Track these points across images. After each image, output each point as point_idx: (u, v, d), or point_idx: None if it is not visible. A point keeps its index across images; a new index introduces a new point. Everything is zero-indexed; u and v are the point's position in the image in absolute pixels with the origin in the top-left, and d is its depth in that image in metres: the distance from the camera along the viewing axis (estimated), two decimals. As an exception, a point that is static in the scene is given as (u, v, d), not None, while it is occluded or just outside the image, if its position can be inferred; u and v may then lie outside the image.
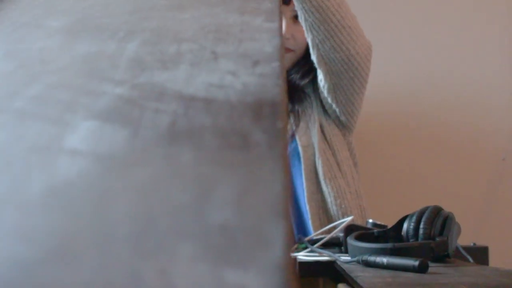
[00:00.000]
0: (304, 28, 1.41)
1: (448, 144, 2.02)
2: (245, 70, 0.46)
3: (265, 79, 0.44)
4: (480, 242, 1.36)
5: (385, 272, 0.87)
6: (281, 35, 0.55)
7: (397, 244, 0.97)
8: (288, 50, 1.52)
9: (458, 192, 1.99)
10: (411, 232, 1.02)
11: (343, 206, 1.43)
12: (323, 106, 1.53)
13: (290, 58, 1.54)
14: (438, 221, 1.01)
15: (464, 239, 1.23)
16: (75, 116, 0.37)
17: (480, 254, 1.24)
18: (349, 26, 1.38)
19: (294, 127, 1.53)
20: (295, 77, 1.54)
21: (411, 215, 1.04)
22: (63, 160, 0.32)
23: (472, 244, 1.32)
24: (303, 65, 1.53)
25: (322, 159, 1.47)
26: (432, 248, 0.97)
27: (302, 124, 1.53)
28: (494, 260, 1.34)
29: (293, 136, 1.53)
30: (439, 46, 2.01)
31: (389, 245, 0.96)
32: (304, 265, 1.07)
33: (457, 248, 1.07)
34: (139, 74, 0.45)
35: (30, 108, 0.39)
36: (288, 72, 1.54)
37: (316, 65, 1.46)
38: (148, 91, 0.42)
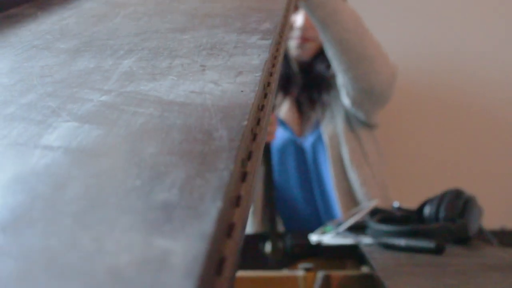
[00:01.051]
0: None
1: (478, 126, 1.98)
2: (227, 79, 0.48)
3: (244, 86, 0.46)
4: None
5: (403, 254, 0.88)
6: (273, 49, 0.57)
7: (415, 226, 0.98)
8: (308, 40, 1.53)
9: (489, 174, 1.95)
10: (431, 215, 1.03)
11: (369, 193, 1.43)
12: None
13: (310, 48, 1.54)
14: (458, 204, 1.02)
15: (495, 222, 1.21)
16: (57, 119, 0.40)
17: (508, 238, 1.22)
18: (371, 56, 1.37)
19: (319, 116, 1.54)
20: (321, 67, 1.55)
21: (432, 199, 1.06)
22: (35, 154, 0.35)
23: (500, 227, 1.29)
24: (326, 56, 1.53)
25: (349, 147, 1.48)
26: (451, 230, 0.97)
27: (328, 114, 1.53)
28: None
29: (318, 125, 1.54)
30: (469, 29, 1.98)
31: (407, 227, 0.98)
32: (330, 248, 1.11)
33: (482, 231, 1.06)
34: (127, 84, 0.48)
35: (20, 113, 0.42)
36: (313, 63, 1.55)
37: (338, 86, 1.48)
38: (131, 98, 0.44)
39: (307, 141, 1.56)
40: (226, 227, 0.29)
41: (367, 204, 1.24)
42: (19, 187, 0.31)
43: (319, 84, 1.56)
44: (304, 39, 1.52)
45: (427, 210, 1.06)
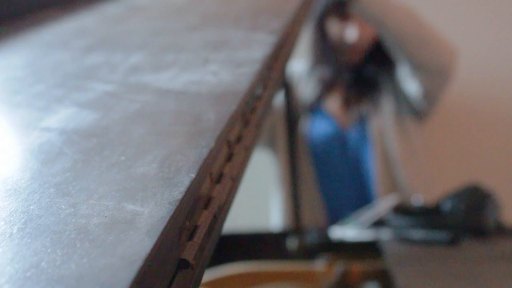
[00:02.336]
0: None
1: (497, 121, 1.96)
2: (227, 70, 0.49)
3: (241, 76, 0.47)
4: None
5: (418, 247, 0.90)
6: (276, 43, 0.58)
7: (432, 219, 0.99)
8: (357, 47, 1.54)
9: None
10: (449, 209, 1.05)
11: (416, 189, 1.43)
12: (398, 95, 1.55)
13: (362, 51, 1.56)
14: (475, 198, 1.03)
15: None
16: (60, 106, 0.42)
17: None
18: (430, 40, 1.39)
19: (366, 111, 1.55)
20: (372, 68, 1.57)
21: (450, 193, 1.07)
22: (33, 135, 0.37)
23: None
24: (378, 55, 1.55)
25: (397, 143, 1.48)
26: (467, 224, 0.98)
27: (376, 108, 1.54)
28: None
29: (363, 119, 1.55)
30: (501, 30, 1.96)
31: (424, 220, 0.99)
32: (351, 243, 1.12)
33: (501, 225, 1.07)
34: (131, 76, 0.50)
35: (27, 101, 0.44)
36: (364, 63, 1.57)
37: (401, 76, 1.49)
38: (132, 88, 0.46)
39: (351, 135, 1.56)
40: (202, 199, 0.31)
41: (387, 200, 1.24)
42: (13, 162, 0.33)
43: (369, 81, 1.57)
44: (355, 48, 1.54)
45: (444, 204, 1.07)
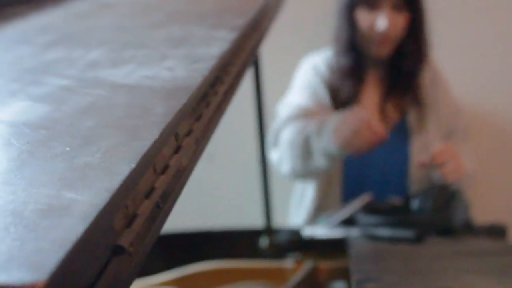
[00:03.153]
0: None
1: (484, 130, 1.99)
2: (183, 66, 0.50)
3: (195, 72, 0.48)
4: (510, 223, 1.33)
5: (385, 244, 0.91)
6: (233, 41, 0.59)
7: (399, 217, 1.02)
8: (387, 38, 1.47)
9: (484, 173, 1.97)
10: (416, 207, 1.07)
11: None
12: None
13: (391, 43, 1.49)
14: (442, 197, 1.06)
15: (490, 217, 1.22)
16: (13, 99, 0.43)
17: (498, 233, 1.23)
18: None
19: (405, 109, 1.50)
20: (408, 63, 1.50)
21: (419, 192, 1.09)
22: (-17, 126, 0.37)
23: (491, 222, 1.30)
24: (412, 50, 1.49)
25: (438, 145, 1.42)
26: (434, 222, 1.01)
27: (418, 107, 1.49)
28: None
29: (404, 115, 1.50)
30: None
31: (392, 218, 1.01)
32: (321, 241, 1.13)
33: (470, 224, 1.09)
34: (88, 71, 0.50)
35: (-19, 95, 0.45)
36: (399, 58, 1.50)
37: None
38: (87, 82, 0.47)
39: (390, 133, 1.45)
40: (144, 189, 0.32)
41: (360, 199, 1.26)
42: (-41, 153, 0.33)
43: (406, 74, 1.50)
44: (386, 39, 1.46)
45: (413, 203, 1.10)
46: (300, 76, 1.56)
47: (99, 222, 0.25)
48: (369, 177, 1.48)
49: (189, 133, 0.41)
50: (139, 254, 0.30)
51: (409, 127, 1.48)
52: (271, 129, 1.49)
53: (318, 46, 1.66)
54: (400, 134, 1.49)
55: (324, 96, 1.50)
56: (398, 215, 1.05)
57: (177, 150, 0.38)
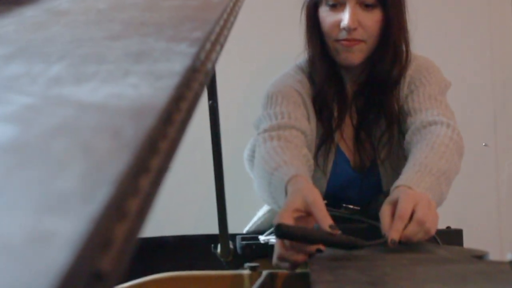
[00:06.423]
0: None
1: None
2: (147, 83, 0.51)
3: (160, 91, 0.49)
4: (464, 226, 1.35)
5: (342, 251, 0.94)
6: (195, 57, 0.60)
7: (348, 225, 1.05)
8: (357, 41, 1.33)
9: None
10: (372, 214, 1.10)
11: None
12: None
13: (361, 50, 1.34)
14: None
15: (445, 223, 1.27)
16: (-22, 119, 0.43)
17: (454, 237, 1.26)
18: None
19: (379, 151, 1.42)
20: (383, 67, 1.35)
21: (380, 199, 1.13)
22: (-49, 149, 0.37)
23: (446, 228, 1.32)
24: (386, 53, 1.35)
25: None
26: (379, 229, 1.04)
27: (393, 147, 1.39)
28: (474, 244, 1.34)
29: (376, 162, 1.42)
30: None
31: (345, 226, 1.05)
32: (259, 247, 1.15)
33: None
34: (51, 88, 0.50)
35: None
36: (372, 63, 1.37)
37: None
38: (52, 101, 0.47)
39: (368, 181, 1.33)
40: (118, 213, 0.32)
41: None
42: None
43: (379, 102, 1.33)
44: (351, 41, 1.32)
45: (369, 210, 1.13)
46: (278, 91, 1.40)
47: (83, 250, 0.26)
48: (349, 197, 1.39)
49: (156, 153, 0.41)
50: (117, 276, 0.30)
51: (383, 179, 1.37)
52: (249, 144, 1.46)
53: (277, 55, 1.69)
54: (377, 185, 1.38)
55: (306, 105, 1.38)
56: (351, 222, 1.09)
57: (147, 170, 0.38)
